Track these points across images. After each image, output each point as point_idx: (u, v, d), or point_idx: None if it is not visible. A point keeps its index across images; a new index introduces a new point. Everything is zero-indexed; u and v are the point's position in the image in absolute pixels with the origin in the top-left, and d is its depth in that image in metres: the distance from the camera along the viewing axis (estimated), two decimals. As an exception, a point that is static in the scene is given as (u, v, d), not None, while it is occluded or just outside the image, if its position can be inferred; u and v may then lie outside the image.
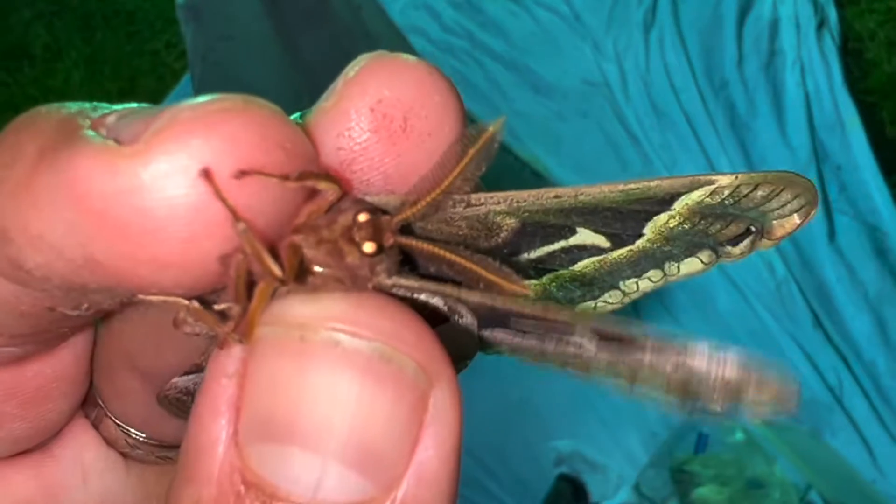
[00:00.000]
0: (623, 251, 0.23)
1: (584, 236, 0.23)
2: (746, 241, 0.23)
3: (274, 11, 1.16)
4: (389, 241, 0.18)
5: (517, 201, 0.21)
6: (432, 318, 0.19)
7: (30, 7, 2.76)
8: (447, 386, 0.15)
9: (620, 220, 0.23)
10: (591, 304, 0.24)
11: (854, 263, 1.49)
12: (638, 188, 0.22)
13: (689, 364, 0.18)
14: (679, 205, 0.22)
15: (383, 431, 0.14)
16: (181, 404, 0.24)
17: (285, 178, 0.16)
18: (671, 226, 0.23)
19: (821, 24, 1.78)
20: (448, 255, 0.18)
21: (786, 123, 1.66)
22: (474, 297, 0.19)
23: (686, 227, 0.23)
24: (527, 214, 0.22)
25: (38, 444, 0.25)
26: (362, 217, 0.17)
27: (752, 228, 0.23)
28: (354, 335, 0.14)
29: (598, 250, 0.23)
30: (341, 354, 0.14)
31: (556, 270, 0.23)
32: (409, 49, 1.44)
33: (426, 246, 0.18)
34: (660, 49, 1.88)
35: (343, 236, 0.17)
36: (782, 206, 0.22)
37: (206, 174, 0.15)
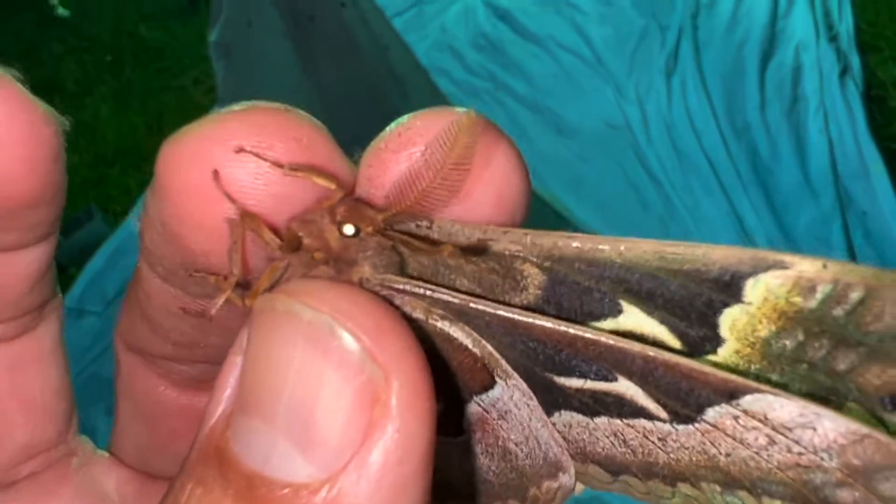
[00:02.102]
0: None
1: (634, 318, 0.19)
2: None
3: (303, 49, 1.18)
4: (368, 227, 0.18)
5: (533, 241, 0.19)
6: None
7: (61, 42, 2.83)
8: (407, 387, 0.14)
9: (674, 310, 0.18)
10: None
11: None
12: (678, 253, 0.18)
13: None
14: (754, 297, 0.17)
15: (326, 413, 0.14)
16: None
17: (279, 165, 0.18)
18: (760, 334, 0.17)
19: (843, 72, 1.79)
20: (422, 245, 0.18)
21: (809, 169, 1.65)
22: (482, 304, 0.18)
23: (778, 340, 0.17)
24: (548, 264, 0.19)
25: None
26: (346, 203, 0.18)
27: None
28: (311, 307, 0.14)
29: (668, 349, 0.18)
30: (294, 322, 0.14)
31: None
32: (434, 88, 1.45)
33: (410, 239, 0.18)
34: (682, 92, 1.89)
35: (327, 218, 0.18)
36: None
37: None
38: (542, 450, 0.20)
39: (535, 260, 0.18)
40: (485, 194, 0.19)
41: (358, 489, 0.13)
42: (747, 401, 0.17)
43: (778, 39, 1.94)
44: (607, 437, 0.20)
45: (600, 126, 1.90)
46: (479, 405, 0.20)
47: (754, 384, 0.17)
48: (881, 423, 0.17)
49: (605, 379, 0.19)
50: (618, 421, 0.19)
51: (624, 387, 0.18)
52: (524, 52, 2.09)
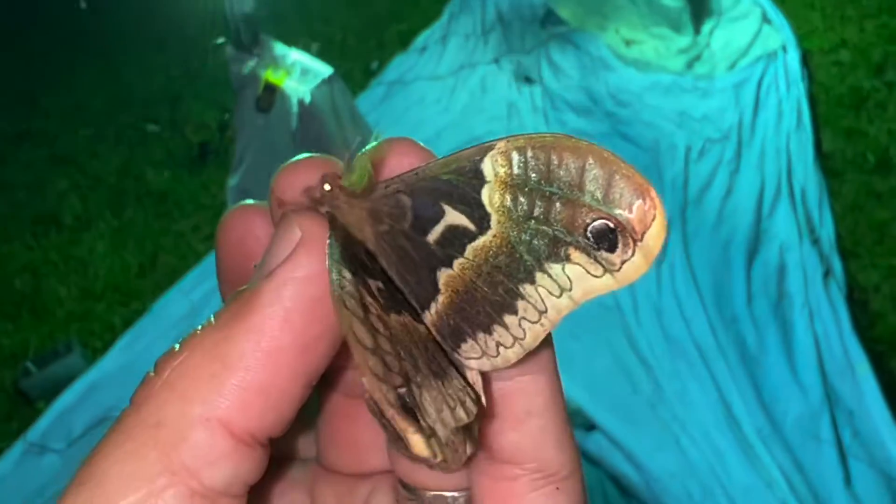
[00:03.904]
0: (488, 237, 0.22)
1: (451, 216, 0.22)
2: (620, 246, 0.21)
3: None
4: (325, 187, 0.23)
5: (401, 178, 0.23)
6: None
7: (67, 178, 2.90)
8: (312, 243, 0.21)
9: (463, 200, 0.22)
10: (515, 320, 0.22)
11: (872, 512, 1.45)
12: (449, 157, 0.23)
13: None
14: (489, 174, 0.22)
15: (276, 254, 0.21)
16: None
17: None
18: (502, 203, 0.22)
19: (827, 273, 1.86)
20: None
21: (796, 363, 1.68)
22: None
23: (516, 204, 0.22)
24: (407, 188, 0.23)
25: None
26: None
27: (606, 223, 0.21)
28: (295, 219, 0.22)
29: (469, 233, 0.22)
30: (289, 221, 0.22)
31: (459, 257, 0.23)
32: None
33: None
34: (671, 280, 1.95)
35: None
36: (605, 189, 0.21)
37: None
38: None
39: (405, 190, 0.23)
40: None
41: (281, 275, 0.21)
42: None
43: (762, 239, 2.03)
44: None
45: (591, 305, 1.93)
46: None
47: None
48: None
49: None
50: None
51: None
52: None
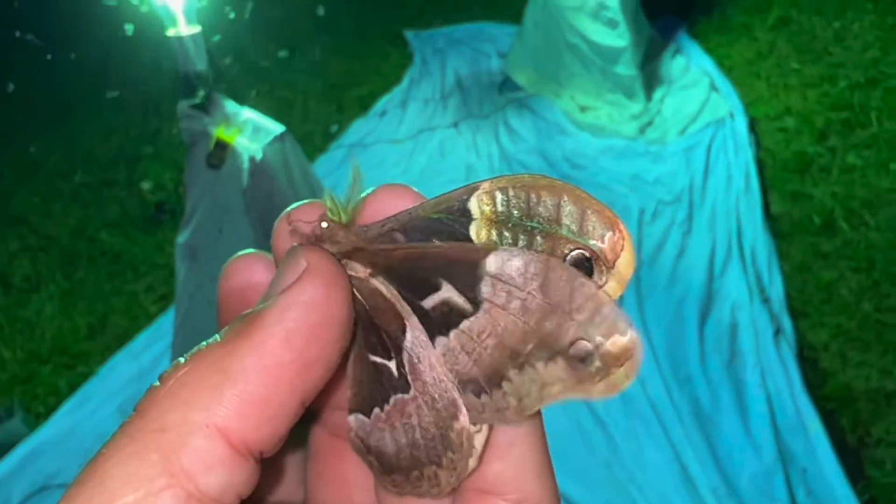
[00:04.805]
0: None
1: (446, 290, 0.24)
2: (595, 273, 0.23)
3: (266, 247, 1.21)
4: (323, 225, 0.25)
5: (395, 218, 0.25)
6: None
7: (19, 239, 2.84)
8: (319, 272, 0.23)
9: (452, 237, 0.24)
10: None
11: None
12: (439, 197, 0.24)
13: None
14: (476, 212, 0.24)
15: (284, 279, 0.23)
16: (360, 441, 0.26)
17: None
18: (489, 238, 0.24)
19: (777, 332, 1.89)
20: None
21: (750, 421, 1.69)
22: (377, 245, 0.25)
23: (502, 238, 0.24)
24: (401, 226, 0.25)
25: None
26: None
27: (582, 253, 0.23)
28: (301, 252, 0.24)
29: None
30: (296, 254, 0.24)
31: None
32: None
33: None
34: (626, 340, 1.95)
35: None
36: (580, 223, 0.23)
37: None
38: (447, 391, 0.24)
39: (399, 228, 0.24)
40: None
41: (286, 299, 0.22)
42: (490, 261, 0.23)
43: (715, 298, 2.06)
44: (460, 354, 0.24)
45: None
46: (406, 351, 0.25)
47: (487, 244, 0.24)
48: None
49: (437, 288, 0.24)
50: (455, 331, 0.24)
51: (446, 290, 0.24)
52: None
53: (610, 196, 2.49)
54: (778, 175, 2.49)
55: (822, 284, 2.03)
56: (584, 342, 0.22)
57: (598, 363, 0.22)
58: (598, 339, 0.22)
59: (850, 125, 2.63)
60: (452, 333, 0.24)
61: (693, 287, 2.11)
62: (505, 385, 0.23)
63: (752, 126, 2.74)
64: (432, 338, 0.24)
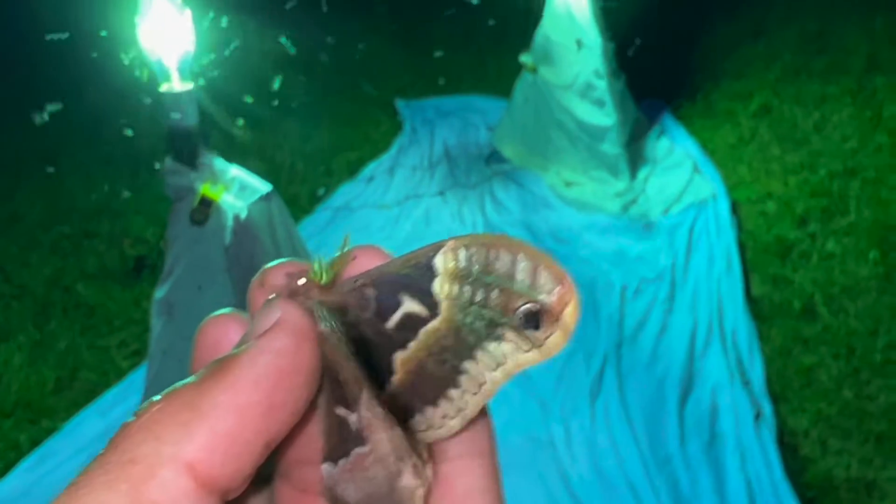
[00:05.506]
0: (438, 321, 0.25)
1: (408, 304, 0.26)
2: (543, 325, 0.25)
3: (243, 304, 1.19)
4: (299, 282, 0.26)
5: (367, 274, 0.26)
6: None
7: (-9, 288, 2.79)
8: (290, 322, 0.24)
9: (419, 291, 0.26)
10: (458, 393, 0.26)
11: None
12: (409, 254, 0.26)
13: None
14: (440, 267, 0.25)
15: (259, 326, 0.24)
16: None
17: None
18: (450, 291, 0.25)
19: (758, 416, 1.87)
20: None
21: (729, 506, 1.65)
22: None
23: (461, 292, 0.25)
24: (372, 282, 0.26)
25: None
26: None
27: (533, 306, 0.25)
28: (276, 304, 0.25)
29: (422, 319, 0.26)
30: (271, 306, 0.25)
31: (413, 339, 0.26)
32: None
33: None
34: (605, 417, 1.93)
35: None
36: (532, 279, 0.25)
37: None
38: (395, 448, 0.25)
39: (370, 283, 0.26)
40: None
41: (258, 346, 0.24)
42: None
43: (695, 378, 2.05)
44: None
45: (524, 439, 1.90)
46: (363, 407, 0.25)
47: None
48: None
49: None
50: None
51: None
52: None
53: (593, 271, 2.50)
54: (759, 258, 2.51)
55: (802, 369, 2.03)
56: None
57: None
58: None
59: (829, 212, 2.68)
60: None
61: (674, 366, 2.09)
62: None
63: (735, 208, 2.78)
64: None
